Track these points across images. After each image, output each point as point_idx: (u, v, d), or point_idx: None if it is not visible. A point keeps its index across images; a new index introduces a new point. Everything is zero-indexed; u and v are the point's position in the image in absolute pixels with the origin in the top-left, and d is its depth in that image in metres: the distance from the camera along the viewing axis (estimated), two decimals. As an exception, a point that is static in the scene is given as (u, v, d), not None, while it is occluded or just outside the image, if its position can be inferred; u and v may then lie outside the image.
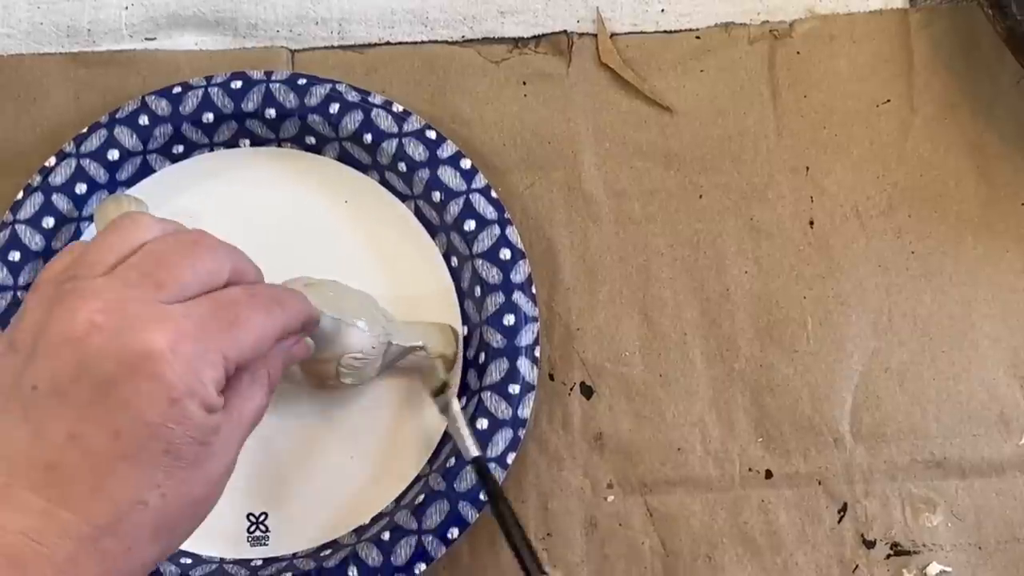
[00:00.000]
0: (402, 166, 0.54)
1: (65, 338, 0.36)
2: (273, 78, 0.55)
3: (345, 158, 0.55)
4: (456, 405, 0.50)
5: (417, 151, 0.54)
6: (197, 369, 0.36)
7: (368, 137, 0.54)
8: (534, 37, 0.58)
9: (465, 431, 0.49)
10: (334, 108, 0.54)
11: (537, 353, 0.52)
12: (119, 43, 0.58)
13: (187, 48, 0.58)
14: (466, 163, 0.54)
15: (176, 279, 0.38)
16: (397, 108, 0.55)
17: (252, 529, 0.52)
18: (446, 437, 0.52)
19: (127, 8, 0.59)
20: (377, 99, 0.55)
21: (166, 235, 0.40)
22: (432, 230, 0.55)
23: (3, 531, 0.34)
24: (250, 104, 0.55)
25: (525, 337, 0.52)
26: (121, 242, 0.39)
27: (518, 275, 0.53)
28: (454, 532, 0.50)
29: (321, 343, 0.47)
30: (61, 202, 0.54)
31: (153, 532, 0.36)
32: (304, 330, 0.45)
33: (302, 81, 0.55)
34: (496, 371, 0.52)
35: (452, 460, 0.51)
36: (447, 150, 0.54)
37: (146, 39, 0.59)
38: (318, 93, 0.55)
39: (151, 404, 0.35)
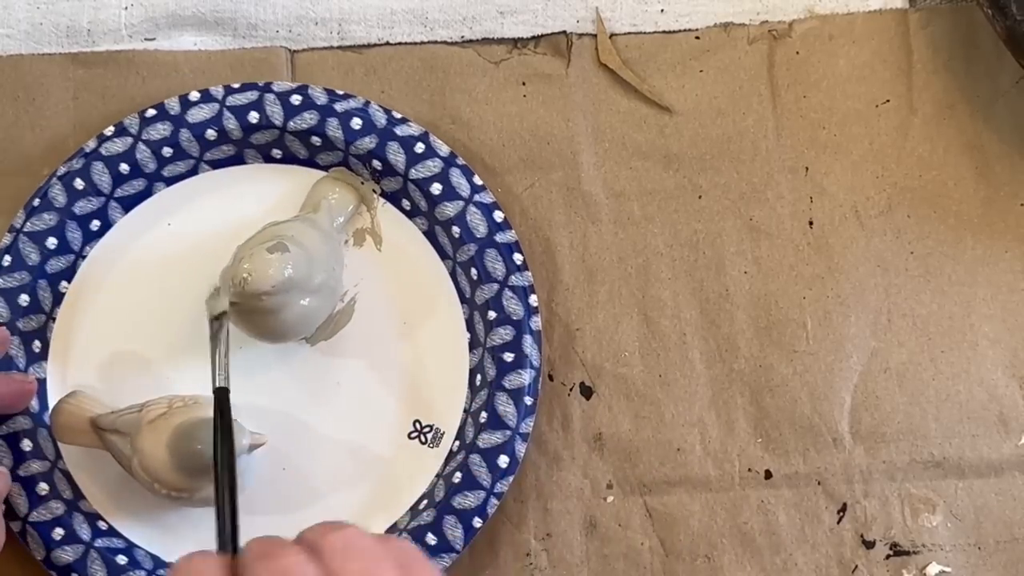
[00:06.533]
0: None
1: None
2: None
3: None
4: (225, 333, 0.50)
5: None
6: None
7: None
8: (534, 37, 0.58)
9: (226, 359, 0.49)
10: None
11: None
12: (119, 43, 0.58)
13: (186, 48, 0.58)
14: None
15: None
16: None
17: (419, 437, 0.53)
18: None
19: (127, 8, 0.59)
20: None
21: None
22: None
23: None
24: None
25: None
26: None
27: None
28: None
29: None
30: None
31: None
32: None
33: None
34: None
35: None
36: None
37: (146, 39, 0.59)
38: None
39: None
